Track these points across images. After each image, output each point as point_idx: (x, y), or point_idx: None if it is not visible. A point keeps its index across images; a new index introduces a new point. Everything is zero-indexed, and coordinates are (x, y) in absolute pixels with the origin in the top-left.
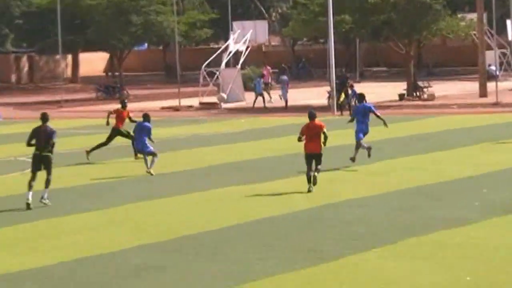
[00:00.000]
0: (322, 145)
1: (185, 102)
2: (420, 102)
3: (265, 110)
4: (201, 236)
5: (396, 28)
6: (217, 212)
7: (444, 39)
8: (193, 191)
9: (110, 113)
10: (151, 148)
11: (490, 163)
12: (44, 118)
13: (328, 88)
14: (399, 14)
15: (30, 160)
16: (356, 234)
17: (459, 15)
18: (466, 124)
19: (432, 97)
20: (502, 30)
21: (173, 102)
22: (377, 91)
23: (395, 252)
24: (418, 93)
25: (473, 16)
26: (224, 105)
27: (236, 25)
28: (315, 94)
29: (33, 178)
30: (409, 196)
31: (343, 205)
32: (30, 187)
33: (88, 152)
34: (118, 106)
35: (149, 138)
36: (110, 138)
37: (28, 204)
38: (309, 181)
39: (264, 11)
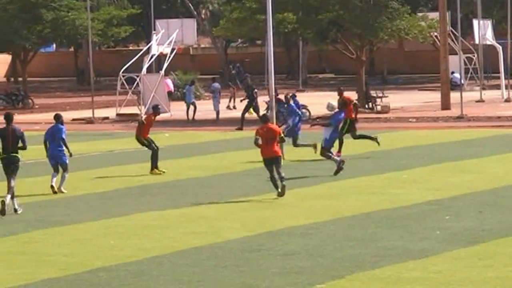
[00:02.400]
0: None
1: (100, 113)
2: (372, 115)
3: (193, 123)
4: (117, 268)
5: (345, 28)
6: (136, 241)
7: (401, 42)
8: (109, 216)
9: None
10: (67, 159)
11: (453, 186)
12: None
13: (267, 98)
14: (350, 13)
15: None
16: (297, 267)
17: (420, 14)
18: (426, 141)
19: (386, 109)
20: (468, 31)
21: (86, 113)
22: (323, 102)
23: None
24: (370, 104)
25: (435, 15)
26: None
27: (159, 23)
28: None
29: None
30: (360, 224)
31: (283, 233)
32: None
33: None
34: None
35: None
36: None
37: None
38: (276, 186)
39: (192, 8)
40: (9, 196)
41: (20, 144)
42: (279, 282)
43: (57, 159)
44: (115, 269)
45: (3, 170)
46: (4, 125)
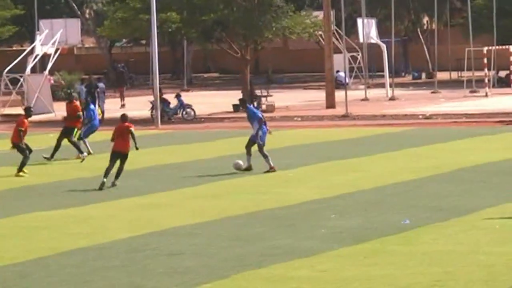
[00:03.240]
0: (135, 146)
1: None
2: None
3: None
4: (3, 270)
5: (230, 28)
6: (22, 242)
7: (285, 41)
8: None
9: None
10: None
11: (338, 184)
12: None
13: (151, 98)
14: (234, 12)
15: None
16: (183, 267)
17: (304, 12)
18: (311, 140)
19: (271, 108)
20: (352, 30)
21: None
22: (208, 101)
23: None
24: (255, 104)
25: (319, 14)
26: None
27: (43, 24)
28: (136, 105)
29: None
30: (246, 223)
31: (168, 233)
32: None
33: None
34: None
35: None
36: None
37: None
38: (105, 175)
39: (76, 8)
40: None
41: None
42: (166, 282)
43: None
44: (0, 271)
45: None
46: None
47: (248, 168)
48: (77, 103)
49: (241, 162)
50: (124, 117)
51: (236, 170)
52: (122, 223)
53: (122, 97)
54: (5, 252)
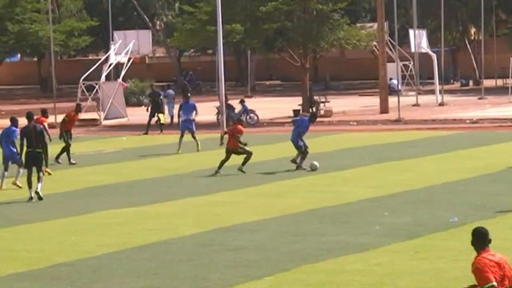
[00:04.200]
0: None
1: (62, 118)
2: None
3: (151, 128)
4: (78, 263)
5: (290, 38)
6: (96, 237)
7: (342, 51)
8: (70, 215)
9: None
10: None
11: (391, 184)
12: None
13: (217, 104)
14: (294, 23)
15: None
16: (246, 261)
17: (359, 25)
18: (366, 143)
19: (329, 113)
20: (404, 41)
21: (49, 119)
22: (270, 107)
23: (289, 280)
24: (314, 109)
25: (374, 25)
26: (104, 122)
27: (117, 34)
28: (203, 110)
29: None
30: (304, 220)
31: (233, 229)
32: None
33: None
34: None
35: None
36: None
37: None
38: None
39: (147, 19)
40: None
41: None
42: (230, 274)
43: (9, 158)
44: (76, 264)
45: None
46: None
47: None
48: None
49: (316, 163)
50: (240, 121)
51: (311, 170)
52: (189, 220)
53: None
54: (80, 246)
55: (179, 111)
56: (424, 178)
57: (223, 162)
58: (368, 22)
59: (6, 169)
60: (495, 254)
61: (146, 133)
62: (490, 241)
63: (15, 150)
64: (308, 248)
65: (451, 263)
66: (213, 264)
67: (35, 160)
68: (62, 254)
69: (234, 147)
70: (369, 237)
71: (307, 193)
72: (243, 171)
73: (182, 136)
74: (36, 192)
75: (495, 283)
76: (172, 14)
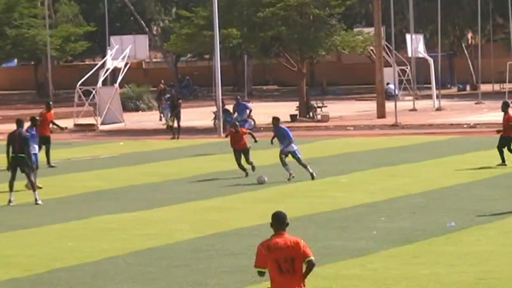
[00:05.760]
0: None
1: (59, 123)
2: (313, 124)
3: (147, 132)
4: (75, 269)
5: (286, 43)
6: (94, 242)
7: (339, 56)
8: (66, 220)
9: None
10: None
11: (388, 189)
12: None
13: (214, 109)
14: (290, 29)
15: None
16: (244, 266)
17: (356, 30)
18: (362, 147)
19: (326, 118)
20: (401, 45)
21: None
22: (267, 112)
23: None
24: (311, 114)
25: (371, 30)
26: (101, 127)
27: (114, 39)
28: (200, 115)
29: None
30: (301, 225)
31: (230, 234)
32: None
33: None
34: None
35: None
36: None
37: None
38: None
39: (144, 24)
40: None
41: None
42: (227, 280)
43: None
44: (74, 269)
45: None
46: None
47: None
48: None
49: (265, 177)
50: (234, 125)
51: (259, 183)
52: (187, 225)
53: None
54: (79, 252)
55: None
56: (421, 183)
57: (240, 163)
58: (364, 27)
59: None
60: (284, 237)
61: (175, 137)
62: (287, 224)
63: (33, 153)
64: None
65: (448, 268)
66: (211, 269)
67: (19, 164)
68: (59, 260)
69: (243, 147)
70: (366, 242)
71: (303, 198)
72: (253, 166)
73: None
74: (35, 200)
75: (261, 269)
76: (169, 19)
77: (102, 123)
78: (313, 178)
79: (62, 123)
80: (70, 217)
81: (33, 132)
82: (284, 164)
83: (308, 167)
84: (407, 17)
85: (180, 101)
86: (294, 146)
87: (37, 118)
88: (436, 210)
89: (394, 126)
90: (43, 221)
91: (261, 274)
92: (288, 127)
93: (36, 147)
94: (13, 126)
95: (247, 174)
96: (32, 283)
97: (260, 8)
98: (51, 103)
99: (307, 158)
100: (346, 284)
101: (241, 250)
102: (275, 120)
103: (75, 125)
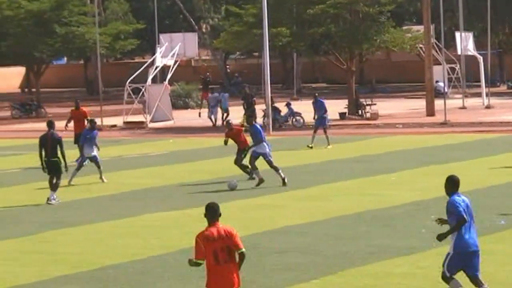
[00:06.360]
0: None
1: (108, 121)
2: (362, 121)
3: (196, 130)
4: (124, 266)
5: (336, 41)
6: (143, 240)
7: (388, 53)
8: (117, 217)
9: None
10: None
11: (437, 187)
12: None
13: (263, 106)
14: (339, 27)
15: None
16: (293, 264)
17: (405, 27)
18: (412, 145)
19: (375, 115)
20: (451, 43)
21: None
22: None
23: (335, 284)
24: (360, 112)
25: (420, 28)
26: (150, 125)
27: (163, 37)
28: None
29: None
30: (351, 223)
31: (279, 232)
32: None
33: None
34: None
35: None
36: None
37: None
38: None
39: (193, 22)
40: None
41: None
42: (276, 277)
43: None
44: (123, 267)
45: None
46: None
47: (261, 181)
48: None
49: (234, 182)
50: (228, 124)
51: (229, 190)
52: (235, 223)
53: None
54: (128, 249)
55: None
56: (471, 181)
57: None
58: (413, 25)
59: (79, 168)
60: (218, 227)
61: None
62: (220, 215)
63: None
64: (354, 251)
65: (499, 266)
66: (260, 266)
67: (50, 169)
68: (108, 257)
69: (244, 147)
70: (415, 241)
71: (353, 196)
72: (246, 170)
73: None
74: (48, 199)
75: (200, 261)
76: (218, 17)
77: (151, 121)
78: (284, 183)
79: (111, 120)
80: (120, 214)
81: (94, 133)
82: (254, 168)
83: (280, 171)
84: (457, 15)
85: (254, 98)
86: (267, 148)
87: (94, 120)
88: (485, 208)
89: (444, 124)
90: (92, 218)
91: (197, 265)
92: (337, 125)
93: (95, 148)
94: (62, 124)
95: (250, 176)
96: (81, 280)
97: (309, 6)
98: (78, 101)
99: (357, 156)
100: (395, 282)
101: (290, 248)
102: (249, 117)
103: (125, 122)
